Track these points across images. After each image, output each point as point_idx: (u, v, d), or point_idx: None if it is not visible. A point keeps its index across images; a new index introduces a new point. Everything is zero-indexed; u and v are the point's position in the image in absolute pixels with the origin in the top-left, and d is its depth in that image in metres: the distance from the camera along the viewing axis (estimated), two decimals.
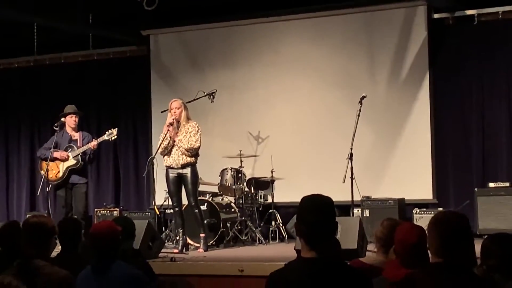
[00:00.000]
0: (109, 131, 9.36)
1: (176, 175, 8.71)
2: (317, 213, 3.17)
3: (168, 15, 11.47)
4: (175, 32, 11.92)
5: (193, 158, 8.72)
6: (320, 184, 9.64)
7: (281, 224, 10.06)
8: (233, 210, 9.88)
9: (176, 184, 8.74)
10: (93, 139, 9.34)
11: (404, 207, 9.96)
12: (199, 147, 8.71)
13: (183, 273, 6.89)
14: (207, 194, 9.88)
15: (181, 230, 8.72)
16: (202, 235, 8.78)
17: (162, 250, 8.25)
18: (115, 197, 12.18)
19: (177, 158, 8.67)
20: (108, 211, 10.97)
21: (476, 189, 9.71)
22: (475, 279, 3.17)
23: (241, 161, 10.12)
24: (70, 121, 9.47)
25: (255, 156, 10.75)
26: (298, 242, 6.66)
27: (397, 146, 10.60)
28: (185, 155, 8.65)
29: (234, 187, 9.96)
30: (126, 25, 11.85)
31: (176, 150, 8.67)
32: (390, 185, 10.39)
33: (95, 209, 11.14)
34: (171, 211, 9.32)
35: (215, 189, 10.22)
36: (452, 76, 10.51)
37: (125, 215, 10.19)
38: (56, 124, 9.43)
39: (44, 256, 4.37)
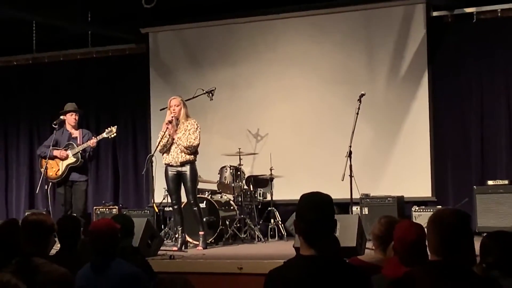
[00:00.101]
0: (109, 128, 9.36)
1: (175, 172, 8.71)
2: (316, 211, 3.17)
3: (167, 13, 11.47)
4: (174, 30, 11.92)
5: (192, 156, 8.71)
6: (319, 181, 9.67)
7: (280, 222, 10.06)
8: (232, 208, 9.89)
9: (175, 181, 8.74)
10: (93, 137, 9.35)
11: (403, 204, 9.97)
12: (198, 145, 8.70)
13: (182, 271, 6.89)
14: (206, 192, 9.88)
15: (180, 228, 8.72)
16: (201, 233, 8.78)
17: (161, 248, 8.24)
18: (114, 195, 12.18)
19: (176, 155, 8.67)
20: (107, 209, 10.97)
21: (475, 187, 9.71)
22: (474, 277, 3.17)
23: (240, 159, 10.12)
24: (70, 119, 9.47)
25: (254, 154, 10.76)
26: (297, 240, 6.66)
27: (396, 144, 10.61)
28: (184, 153, 8.64)
29: (233, 185, 9.96)
30: (125, 23, 11.85)
31: (175, 147, 8.67)
32: (389, 183, 10.40)
33: (94, 207, 11.15)
34: (170, 209, 9.33)
35: (214, 187, 10.22)
36: (451, 74, 10.51)
37: (124, 213, 10.20)
38: (55, 122, 9.43)
39: (43, 254, 4.37)
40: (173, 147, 8.69)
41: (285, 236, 9.88)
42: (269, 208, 10.18)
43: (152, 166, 8.83)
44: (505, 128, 10.22)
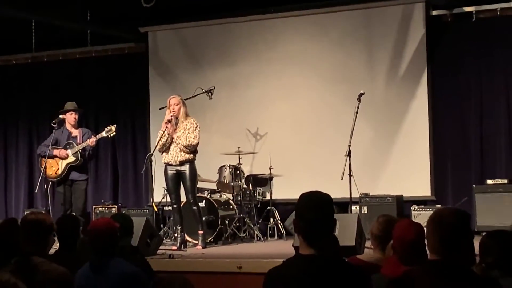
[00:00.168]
0: (108, 127, 9.36)
1: (175, 172, 8.70)
2: (315, 210, 3.17)
3: (166, 12, 11.47)
4: (173, 29, 11.91)
5: (192, 155, 8.71)
6: (318, 181, 9.67)
7: (279, 221, 10.06)
8: (231, 207, 9.88)
9: (174, 181, 8.73)
10: (92, 136, 9.34)
11: (402, 204, 9.97)
12: (197, 144, 8.70)
13: (181, 270, 6.89)
14: (206, 191, 9.88)
15: (179, 227, 8.71)
16: (200, 232, 8.77)
17: (161, 247, 8.25)
18: (114, 194, 12.18)
19: (175, 154, 8.66)
20: (106, 208, 10.97)
21: (474, 186, 9.71)
22: (474, 277, 3.17)
23: (239, 158, 10.12)
24: (70, 118, 9.48)
25: (253, 153, 10.76)
26: (296, 239, 6.66)
27: (395, 143, 10.61)
28: (184, 152, 8.64)
29: (232, 184, 9.96)
30: (124, 22, 11.84)
31: (175, 146, 8.66)
32: (388, 182, 10.40)
33: (93, 206, 11.15)
34: (170, 208, 9.33)
35: (213, 186, 10.22)
36: (450, 73, 10.52)
37: (123, 212, 10.20)
38: (54, 121, 9.43)
39: (42, 253, 4.37)
40: (172, 146, 8.68)
41: (285, 235, 9.88)
42: (268, 207, 10.18)
43: (151, 165, 8.82)
44: (504, 127, 10.22)
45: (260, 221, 10.23)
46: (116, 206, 11.05)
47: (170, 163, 8.69)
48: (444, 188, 10.44)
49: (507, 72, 10.25)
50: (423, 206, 9.80)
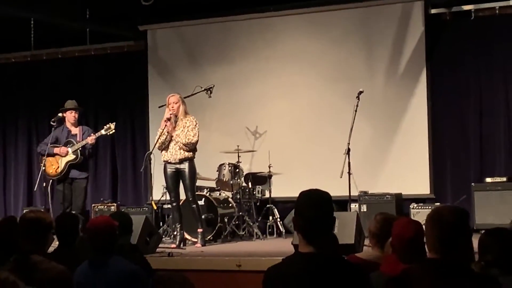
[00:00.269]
0: (107, 125, 9.36)
1: (174, 170, 8.70)
2: (315, 208, 3.18)
3: (165, 10, 11.47)
4: (172, 27, 11.91)
5: (191, 153, 8.71)
6: (317, 179, 9.64)
7: (278, 219, 10.06)
8: (230, 205, 9.89)
9: (174, 179, 8.73)
10: (91, 134, 9.34)
11: (401, 202, 9.97)
12: (197, 142, 8.70)
13: (180, 268, 6.88)
14: (205, 189, 9.88)
15: (178, 225, 8.71)
16: (199, 230, 8.78)
17: (160, 245, 8.25)
18: (113, 192, 12.18)
19: (175, 153, 8.66)
20: (105, 206, 10.96)
21: (473, 184, 9.70)
22: (472, 275, 3.17)
23: (238, 156, 10.12)
24: (70, 116, 9.48)
25: (252, 151, 10.76)
26: (295, 237, 6.67)
27: (394, 141, 10.61)
28: (183, 150, 8.64)
29: (231, 182, 9.96)
30: (123, 20, 11.84)
31: (174, 145, 8.66)
32: (387, 180, 10.40)
33: (93, 204, 11.14)
34: (169, 206, 9.33)
35: (212, 184, 10.23)
36: (449, 71, 10.52)
37: (123, 210, 10.20)
38: (53, 119, 9.43)
39: (41, 251, 4.37)
40: (171, 144, 8.68)
41: (284, 233, 9.88)
42: (267, 205, 10.19)
43: (150, 163, 8.82)
44: (503, 125, 10.23)
45: (259, 219, 10.24)
46: (115, 204, 11.05)
47: (169, 161, 8.69)
48: (443, 186, 10.44)
49: (506, 70, 10.25)
50: (422, 204, 9.81)
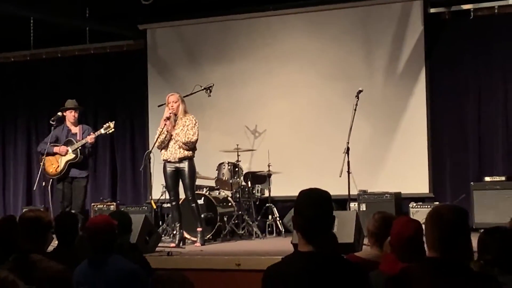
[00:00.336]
0: (106, 124, 9.36)
1: (174, 169, 8.70)
2: (314, 207, 3.18)
3: (165, 9, 11.47)
4: (172, 26, 11.90)
5: (191, 152, 8.71)
6: (317, 178, 9.64)
7: (278, 218, 10.06)
8: (230, 204, 9.88)
9: (173, 178, 8.73)
10: (91, 133, 9.35)
11: (401, 201, 9.97)
12: (196, 140, 8.70)
13: (180, 267, 6.89)
14: (204, 188, 9.88)
15: (178, 224, 8.71)
16: (199, 229, 8.78)
17: (159, 244, 8.24)
18: (112, 192, 12.18)
19: (174, 151, 8.66)
20: (105, 205, 10.97)
21: (472, 183, 9.71)
22: (471, 274, 3.17)
23: (238, 155, 10.12)
24: (70, 116, 9.50)
25: (252, 150, 10.75)
26: (295, 236, 6.66)
27: (393, 140, 10.61)
28: (183, 149, 8.64)
29: (231, 181, 9.96)
30: (123, 19, 11.83)
31: (174, 143, 8.66)
32: (387, 179, 10.40)
33: (92, 204, 11.14)
34: (168, 205, 9.32)
35: (212, 183, 10.23)
36: (448, 70, 10.53)
37: (122, 209, 10.19)
38: (53, 118, 9.43)
39: (40, 250, 4.37)
40: (171, 143, 8.68)
41: (283, 232, 9.89)
42: (267, 205, 10.19)
43: (150, 162, 8.82)
44: (502, 124, 10.23)
45: (258, 218, 10.24)
46: (114, 204, 11.06)
47: (169, 160, 8.69)
48: (442, 185, 10.44)
49: (505, 69, 10.25)
50: (421, 203, 9.81)
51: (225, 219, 9.58)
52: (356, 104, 8.78)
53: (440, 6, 10.60)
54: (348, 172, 8.45)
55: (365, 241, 7.28)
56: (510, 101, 10.24)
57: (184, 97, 8.93)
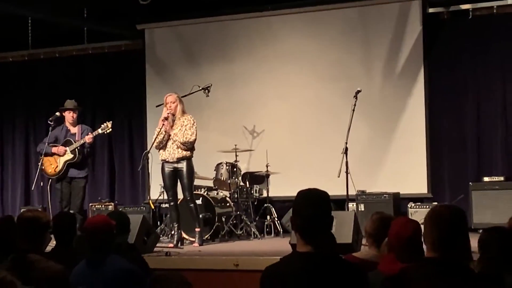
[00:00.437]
0: (104, 124, 9.36)
1: (172, 169, 8.69)
2: (313, 207, 3.17)
3: (163, 9, 11.45)
4: (170, 26, 11.90)
5: (189, 152, 8.70)
6: (315, 178, 9.63)
7: (276, 219, 10.06)
8: (228, 204, 9.88)
9: (171, 178, 8.72)
10: (89, 133, 9.34)
11: (399, 201, 9.98)
12: (195, 140, 8.69)
13: (178, 268, 6.88)
14: (202, 189, 9.88)
15: (176, 225, 8.71)
16: (197, 229, 8.77)
17: (157, 245, 8.23)
18: (110, 192, 12.18)
19: (172, 152, 8.65)
20: (103, 206, 10.96)
21: (470, 183, 9.72)
22: (470, 274, 3.17)
23: (236, 155, 10.11)
24: (68, 116, 9.51)
25: (250, 150, 10.75)
26: (293, 236, 6.66)
27: (392, 140, 10.61)
28: (181, 149, 8.63)
29: (229, 181, 9.96)
30: (121, 19, 11.83)
31: (172, 143, 8.65)
32: (385, 179, 10.40)
33: (90, 204, 11.13)
34: (166, 205, 9.32)
35: (210, 183, 10.22)
36: (447, 70, 10.53)
37: (120, 209, 10.18)
38: (50, 119, 9.42)
39: (38, 250, 4.36)
40: (169, 143, 8.67)
41: (281, 232, 9.88)
42: (265, 205, 10.18)
43: (148, 162, 8.81)
44: (501, 124, 10.23)
45: (257, 219, 10.23)
46: (112, 204, 11.05)
47: (167, 160, 8.68)
48: (440, 185, 10.45)
49: (504, 69, 10.26)
50: (419, 203, 9.83)
51: (223, 219, 9.57)
52: (355, 104, 8.77)
53: (439, 6, 10.60)
54: (347, 172, 8.44)
55: (364, 241, 7.30)
56: (509, 101, 10.25)
57: (182, 97, 8.92)
